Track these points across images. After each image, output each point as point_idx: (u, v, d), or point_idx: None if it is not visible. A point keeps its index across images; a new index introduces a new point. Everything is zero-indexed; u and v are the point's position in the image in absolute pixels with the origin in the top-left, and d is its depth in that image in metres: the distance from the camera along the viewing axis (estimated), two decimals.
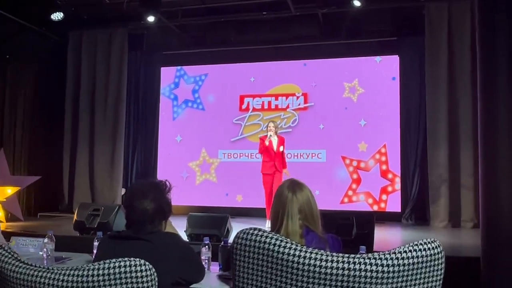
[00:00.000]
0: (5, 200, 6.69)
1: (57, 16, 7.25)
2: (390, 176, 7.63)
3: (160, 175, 8.58)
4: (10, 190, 6.78)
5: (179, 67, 8.78)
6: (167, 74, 8.84)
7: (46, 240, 2.54)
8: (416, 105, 7.47)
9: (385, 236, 5.79)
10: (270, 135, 6.27)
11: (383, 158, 7.68)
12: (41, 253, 2.60)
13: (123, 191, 8.29)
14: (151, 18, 7.27)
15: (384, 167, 7.66)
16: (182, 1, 7.44)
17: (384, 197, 7.61)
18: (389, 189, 7.61)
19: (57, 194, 8.38)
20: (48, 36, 8.22)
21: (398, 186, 7.56)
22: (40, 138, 8.39)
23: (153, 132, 8.72)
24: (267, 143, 6.26)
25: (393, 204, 7.54)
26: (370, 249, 3.93)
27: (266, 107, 8.29)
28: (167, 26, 7.99)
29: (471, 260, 3.40)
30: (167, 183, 1.91)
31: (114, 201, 7.92)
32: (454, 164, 6.81)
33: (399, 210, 7.43)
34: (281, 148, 6.32)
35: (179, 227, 4.78)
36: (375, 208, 7.59)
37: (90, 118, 8.38)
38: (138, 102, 8.81)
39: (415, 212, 7.26)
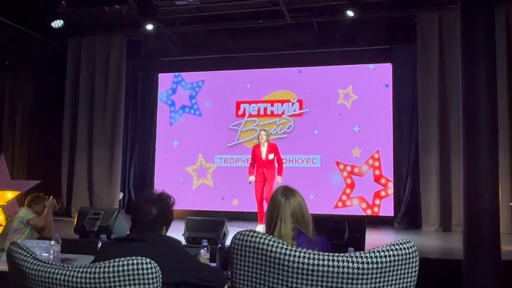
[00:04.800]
0: (5, 204, 6.81)
1: (57, 23, 7.38)
2: (383, 181, 7.79)
3: (158, 180, 8.70)
4: (10, 194, 6.90)
5: (176, 74, 8.92)
6: (165, 80, 8.98)
7: (52, 242, 2.67)
8: (408, 112, 7.65)
9: (377, 240, 5.94)
10: (255, 142, 6.38)
11: (376, 164, 7.84)
12: (47, 254, 2.73)
13: (121, 195, 8.42)
14: (149, 26, 7.41)
15: (377, 172, 7.82)
16: (179, 9, 7.60)
17: (377, 201, 7.77)
18: (382, 193, 7.77)
19: (55, 198, 8.46)
20: (48, 42, 8.34)
21: (391, 191, 7.72)
22: (39, 143, 8.50)
23: (151, 137, 8.85)
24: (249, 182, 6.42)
25: (386, 208, 7.70)
26: None
27: (262, 113, 8.45)
28: (165, 33, 8.14)
29: (455, 262, 3.55)
30: (172, 198, 2.13)
31: (112, 205, 8.03)
32: (445, 169, 6.98)
33: (392, 214, 7.59)
34: (270, 156, 6.36)
35: (177, 230, 4.93)
36: (369, 212, 7.75)
37: (89, 123, 8.51)
38: (136, 107, 8.94)
39: (407, 216, 7.43)
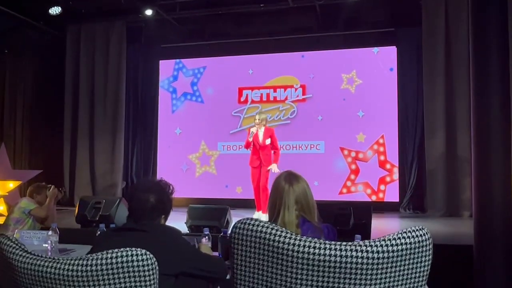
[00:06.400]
0: (7, 194, 6.77)
1: (55, 10, 7.27)
2: (388, 166, 7.69)
3: (160, 168, 8.64)
4: (12, 184, 6.85)
5: (177, 60, 8.80)
6: (166, 67, 8.86)
7: (50, 232, 2.60)
8: (413, 96, 7.52)
9: (383, 226, 5.86)
10: (253, 132, 6.06)
11: (381, 149, 7.73)
12: (45, 245, 2.66)
13: (123, 184, 8.37)
14: (148, 12, 7.30)
15: (382, 157, 7.72)
16: None
17: (382, 187, 7.68)
18: (387, 179, 7.68)
19: (59, 187, 8.43)
20: (47, 30, 8.23)
21: (396, 176, 7.62)
22: (41, 132, 8.44)
23: (153, 125, 8.77)
24: (250, 139, 6.08)
25: (391, 194, 7.61)
26: (367, 239, 3.99)
27: (264, 99, 8.33)
28: (165, 19, 8.00)
29: (465, 248, 3.47)
30: (171, 186, 2.02)
31: (115, 194, 7.99)
32: (451, 153, 6.87)
33: (397, 200, 7.51)
34: (267, 141, 6.10)
35: (180, 219, 4.88)
36: (374, 198, 7.66)
37: (90, 112, 8.44)
38: (137, 95, 8.85)
39: (413, 201, 7.34)
